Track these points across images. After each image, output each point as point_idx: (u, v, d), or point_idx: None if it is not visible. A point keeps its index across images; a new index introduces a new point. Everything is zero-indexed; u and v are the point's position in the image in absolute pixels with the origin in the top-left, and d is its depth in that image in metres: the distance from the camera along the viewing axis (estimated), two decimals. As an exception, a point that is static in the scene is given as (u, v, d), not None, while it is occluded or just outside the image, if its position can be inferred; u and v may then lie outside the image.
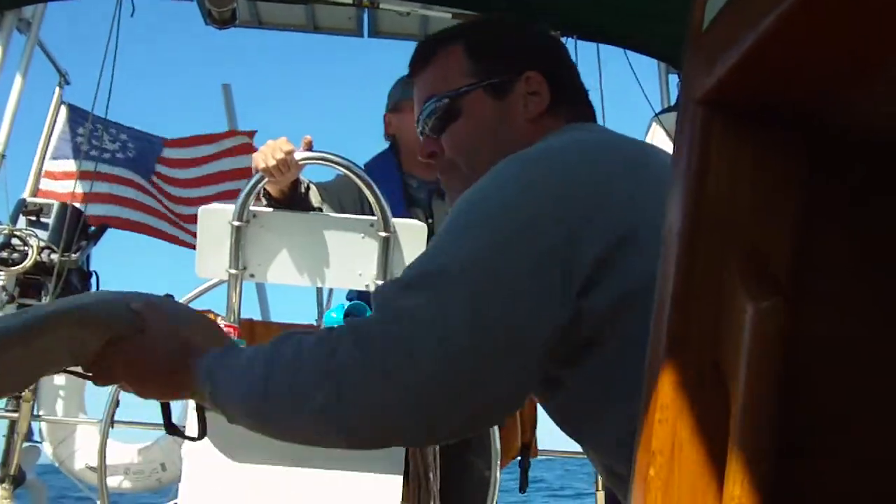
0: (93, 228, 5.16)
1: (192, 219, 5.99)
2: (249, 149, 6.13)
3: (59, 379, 5.07)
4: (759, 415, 0.73)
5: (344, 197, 3.21)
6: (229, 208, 2.74)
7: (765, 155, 0.78)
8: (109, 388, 3.18)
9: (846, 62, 0.68)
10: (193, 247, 5.85)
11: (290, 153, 2.66)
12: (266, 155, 2.67)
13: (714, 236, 0.77)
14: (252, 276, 2.80)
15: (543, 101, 1.56)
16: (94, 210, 5.49)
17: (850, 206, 0.79)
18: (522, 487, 4.57)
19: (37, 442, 5.06)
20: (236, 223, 2.71)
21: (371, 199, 2.73)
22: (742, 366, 0.73)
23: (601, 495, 4.43)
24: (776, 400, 0.73)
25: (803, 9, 0.62)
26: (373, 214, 2.82)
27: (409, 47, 1.68)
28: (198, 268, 2.80)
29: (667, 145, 4.58)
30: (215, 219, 2.75)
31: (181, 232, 6.07)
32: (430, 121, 1.59)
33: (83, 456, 5.14)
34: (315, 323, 4.83)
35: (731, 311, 0.75)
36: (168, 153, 6.14)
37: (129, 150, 5.97)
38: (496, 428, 3.06)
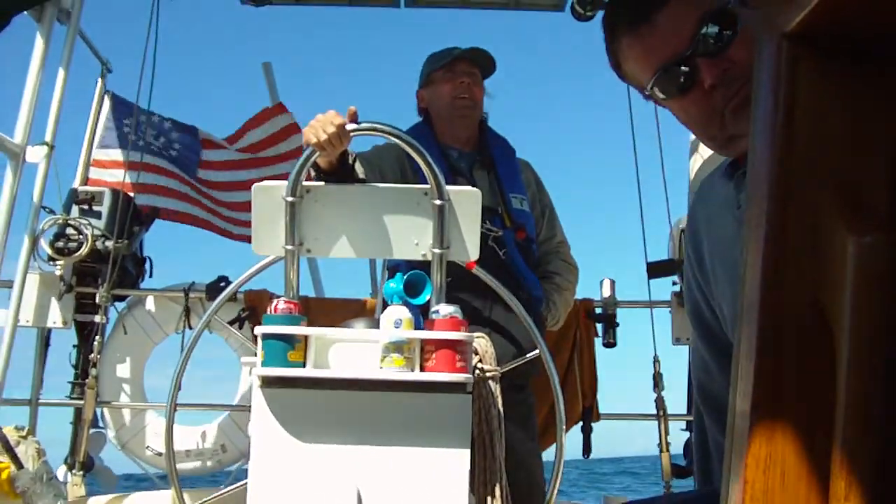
0: (144, 214, 5.20)
1: (240, 206, 6.03)
2: (296, 129, 6.14)
3: (120, 364, 5.12)
4: (869, 360, 0.70)
5: (384, 166, 3.22)
6: (282, 184, 2.74)
7: (855, 89, 0.75)
8: (170, 373, 3.20)
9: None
10: (244, 238, 5.91)
11: (340, 126, 2.65)
12: (317, 129, 2.67)
13: (807, 174, 0.74)
14: (309, 251, 2.79)
15: None
16: (143, 200, 5.52)
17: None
18: (586, 451, 4.58)
19: (102, 429, 5.13)
20: (290, 199, 2.70)
21: (423, 166, 2.71)
22: (847, 308, 0.70)
23: (666, 456, 4.40)
24: (885, 340, 0.70)
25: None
26: (415, 182, 2.80)
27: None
28: (255, 245, 2.81)
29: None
30: (269, 195, 2.75)
31: (230, 224, 6.10)
32: (714, 38, 1.43)
33: (147, 440, 5.20)
34: (370, 296, 4.85)
35: (830, 248, 0.72)
36: (207, 155, 6.17)
37: (172, 149, 6.00)
38: (560, 391, 3.04)
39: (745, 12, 1.36)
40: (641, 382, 4.62)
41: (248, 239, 6.04)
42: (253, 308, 4.53)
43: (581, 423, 4.56)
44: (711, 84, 1.45)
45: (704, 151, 4.69)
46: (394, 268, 3.29)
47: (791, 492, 0.72)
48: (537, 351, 2.99)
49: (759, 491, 0.73)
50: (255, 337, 2.62)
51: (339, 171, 2.83)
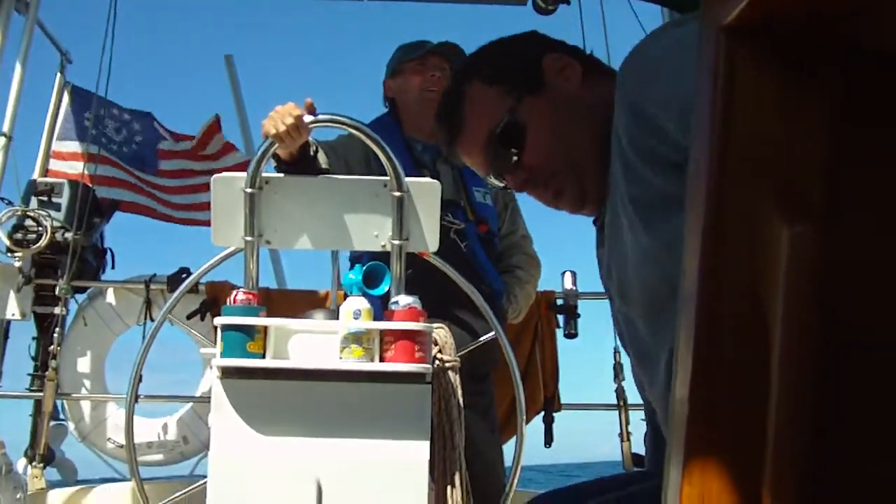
0: (105, 204, 5.17)
1: (188, 190, 6.02)
2: (231, 148, 6.16)
3: (81, 356, 5.09)
4: (801, 347, 0.72)
5: (350, 156, 3.22)
6: (241, 175, 2.74)
7: (794, 79, 0.77)
8: (131, 364, 3.19)
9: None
10: (207, 223, 5.87)
11: (299, 117, 2.66)
12: (276, 121, 2.67)
13: (744, 166, 0.76)
14: (268, 242, 2.79)
15: (577, 67, 1.57)
16: (103, 193, 5.49)
17: (885, 128, 0.77)
18: (548, 441, 4.61)
19: (62, 421, 5.09)
20: (249, 190, 2.70)
21: (383, 158, 2.72)
22: (780, 295, 0.72)
23: (626, 446, 4.44)
24: (817, 328, 0.72)
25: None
26: (379, 174, 2.81)
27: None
28: (214, 236, 2.80)
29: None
30: (228, 187, 2.75)
31: (191, 212, 6.08)
32: (502, 157, 1.57)
33: (108, 432, 5.17)
34: (329, 288, 4.83)
35: (766, 238, 0.74)
36: (163, 145, 6.15)
37: (133, 142, 5.98)
38: (520, 382, 3.06)
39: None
40: (602, 373, 4.66)
41: (193, 223, 6.02)
42: (214, 299, 4.52)
43: (543, 413, 4.59)
44: (518, 191, 1.62)
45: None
46: (355, 259, 3.30)
47: (727, 474, 0.74)
48: (492, 333, 3.01)
49: (697, 474, 0.75)
50: (215, 328, 2.62)
51: (300, 162, 2.83)
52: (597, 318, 4.97)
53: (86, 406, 5.16)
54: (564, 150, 1.53)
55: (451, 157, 1.71)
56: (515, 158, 1.55)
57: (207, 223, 2.91)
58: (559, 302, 4.66)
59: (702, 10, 0.84)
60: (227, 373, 2.61)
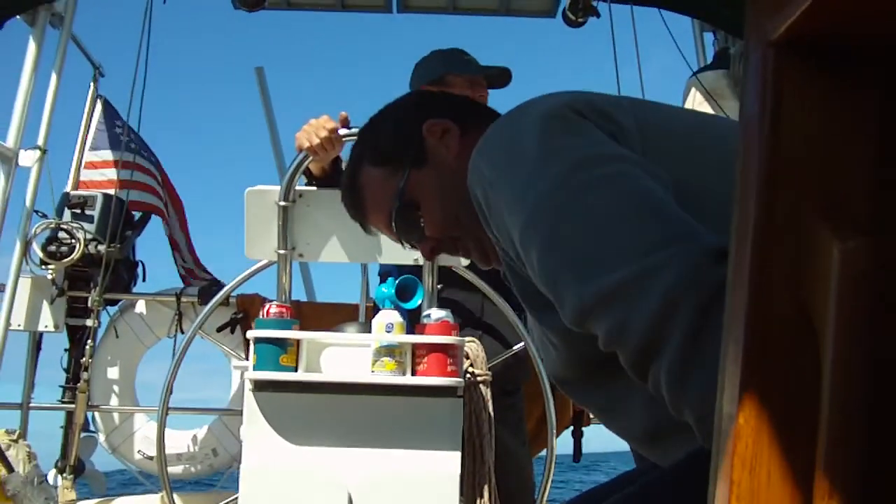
0: (137, 218, 5.20)
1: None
2: None
3: (112, 368, 5.13)
4: (852, 360, 0.71)
5: None
6: (275, 189, 2.75)
7: (841, 90, 0.76)
8: (163, 377, 3.21)
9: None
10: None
11: (333, 130, 2.67)
12: (310, 134, 2.68)
13: (793, 179, 0.76)
14: (301, 255, 2.81)
15: (455, 131, 1.59)
16: (136, 196, 5.53)
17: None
18: (576, 456, 4.59)
19: (92, 432, 5.13)
20: (283, 203, 2.72)
21: (416, 171, 2.72)
22: (831, 311, 0.72)
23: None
24: (869, 345, 0.71)
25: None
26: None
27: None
28: (247, 249, 2.81)
29: (704, 106, 4.54)
30: (261, 200, 2.76)
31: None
32: (407, 232, 1.61)
33: (137, 444, 5.20)
34: (358, 301, 4.84)
35: (815, 254, 0.73)
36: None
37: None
38: (551, 395, 3.06)
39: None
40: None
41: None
42: (245, 312, 4.54)
43: (572, 428, 4.57)
44: (431, 258, 1.73)
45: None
46: (386, 273, 3.30)
47: (776, 491, 0.73)
48: (522, 344, 3.01)
49: (746, 490, 0.74)
50: (247, 341, 2.63)
51: (331, 178, 2.84)
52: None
53: (116, 418, 5.19)
54: (454, 218, 1.56)
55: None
56: (419, 229, 1.60)
57: None
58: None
59: (747, 25, 0.84)
60: (259, 385, 2.62)
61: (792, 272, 0.76)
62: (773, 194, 0.77)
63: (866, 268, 0.72)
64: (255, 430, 2.62)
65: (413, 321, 2.69)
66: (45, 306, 4.81)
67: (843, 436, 0.72)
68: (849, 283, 0.72)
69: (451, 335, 2.58)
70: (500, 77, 3.52)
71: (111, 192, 5.16)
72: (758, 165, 0.78)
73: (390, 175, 1.60)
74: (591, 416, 4.65)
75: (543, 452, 3.29)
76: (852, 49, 0.76)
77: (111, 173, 5.53)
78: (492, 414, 2.86)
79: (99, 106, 5.77)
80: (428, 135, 1.59)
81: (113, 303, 5.07)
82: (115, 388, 5.15)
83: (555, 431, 3.10)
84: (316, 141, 2.65)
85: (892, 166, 0.76)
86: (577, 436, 4.59)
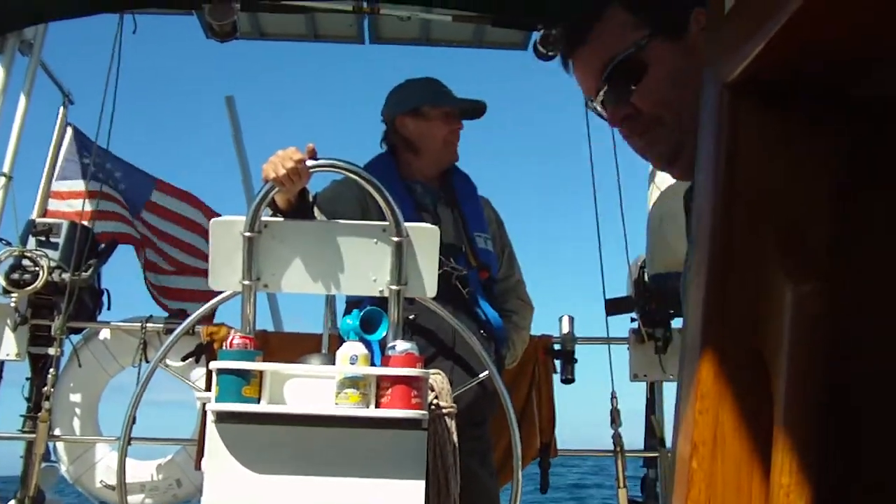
0: (102, 246, 5.16)
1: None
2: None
3: (74, 397, 5.07)
4: (805, 404, 0.71)
5: (339, 207, 3.13)
6: (240, 219, 2.73)
7: (796, 131, 0.77)
8: (125, 406, 3.17)
9: (872, 30, 0.67)
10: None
11: (300, 161, 2.66)
12: (276, 164, 2.67)
13: (749, 220, 0.76)
14: (266, 286, 2.79)
15: None
16: (103, 227, 5.50)
17: (890, 188, 0.77)
18: (543, 488, 4.57)
19: (53, 462, 5.06)
20: (248, 234, 2.70)
21: (382, 204, 2.72)
22: (784, 354, 0.72)
23: (623, 493, 4.41)
24: (822, 388, 0.72)
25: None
26: (378, 217, 2.81)
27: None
28: (211, 280, 2.79)
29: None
30: (226, 230, 2.74)
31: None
32: (615, 88, 1.50)
33: (99, 474, 5.14)
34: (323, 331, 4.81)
35: (770, 295, 0.74)
36: (156, 198, 6.17)
37: (122, 183, 6.01)
38: (517, 427, 3.05)
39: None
40: (599, 419, 4.64)
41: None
42: (211, 342, 4.50)
43: (539, 459, 4.57)
44: (613, 126, 1.54)
45: (661, 183, 4.75)
46: (354, 303, 3.28)
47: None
48: (486, 373, 3.00)
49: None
50: (210, 372, 2.60)
51: (297, 210, 2.83)
52: (594, 364, 4.95)
53: (78, 447, 5.13)
54: (677, 105, 1.46)
55: (564, 67, 1.63)
56: (626, 93, 1.50)
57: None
58: (556, 347, 4.65)
59: (705, 66, 0.85)
60: (221, 417, 2.59)
61: (746, 314, 0.76)
62: (730, 236, 0.78)
63: (819, 313, 0.72)
64: (217, 462, 2.59)
65: (383, 351, 2.68)
66: (8, 334, 4.75)
67: (796, 476, 0.72)
68: (802, 328, 0.72)
69: (415, 367, 2.57)
70: (475, 110, 3.52)
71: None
72: (713, 206, 0.78)
73: (636, 27, 1.49)
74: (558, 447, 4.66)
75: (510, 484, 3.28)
76: (807, 91, 0.76)
77: (78, 204, 5.49)
78: (457, 445, 2.84)
79: (68, 134, 5.75)
80: (695, 20, 1.48)
81: (77, 331, 5.02)
82: (78, 417, 5.09)
83: (520, 463, 3.08)
84: (282, 172, 2.64)
85: (847, 203, 0.77)
86: (545, 467, 4.58)
